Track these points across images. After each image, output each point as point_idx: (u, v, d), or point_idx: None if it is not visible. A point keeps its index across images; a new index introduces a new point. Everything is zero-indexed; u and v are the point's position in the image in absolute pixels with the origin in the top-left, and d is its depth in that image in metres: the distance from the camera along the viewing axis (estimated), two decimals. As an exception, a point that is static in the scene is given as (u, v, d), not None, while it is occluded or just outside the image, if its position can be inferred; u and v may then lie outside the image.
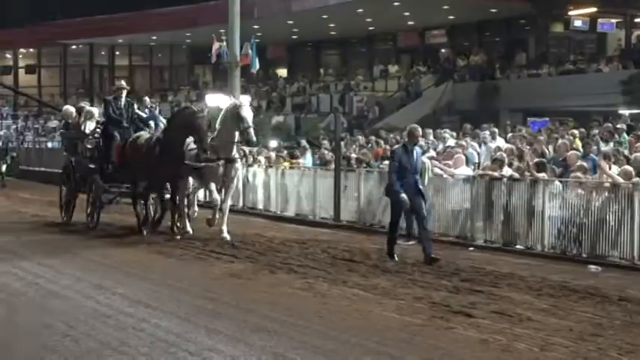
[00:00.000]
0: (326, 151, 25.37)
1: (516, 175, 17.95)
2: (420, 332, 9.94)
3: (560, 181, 17.10)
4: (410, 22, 45.59)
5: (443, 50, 46.72)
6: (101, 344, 9.34)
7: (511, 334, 9.83)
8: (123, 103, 20.35)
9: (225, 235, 18.10)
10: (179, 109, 20.63)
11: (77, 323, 10.33)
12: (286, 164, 25.38)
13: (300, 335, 9.75)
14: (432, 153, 21.13)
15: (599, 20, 40.57)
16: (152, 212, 20.47)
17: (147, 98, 23.54)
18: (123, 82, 21.17)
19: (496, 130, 25.34)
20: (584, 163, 17.40)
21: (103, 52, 60.19)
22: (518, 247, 17.52)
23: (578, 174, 16.91)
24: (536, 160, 18.46)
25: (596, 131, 23.18)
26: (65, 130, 23.23)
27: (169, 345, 9.27)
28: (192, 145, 18.39)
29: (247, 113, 18.18)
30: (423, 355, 9.00)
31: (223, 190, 18.66)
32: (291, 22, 46.95)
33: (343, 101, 42.47)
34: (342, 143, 24.24)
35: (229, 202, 19.14)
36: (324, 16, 44.49)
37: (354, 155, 24.04)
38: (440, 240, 18.71)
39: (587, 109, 35.33)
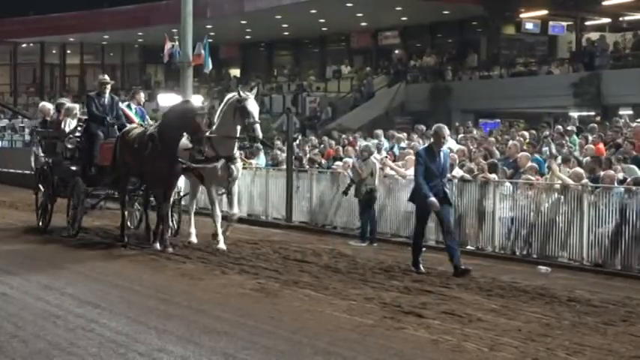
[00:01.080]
0: (278, 152, 25.34)
1: (467, 176, 18.06)
2: (371, 333, 9.96)
3: (511, 183, 17.24)
4: (363, 23, 45.65)
5: (396, 51, 46.84)
6: (50, 345, 9.26)
7: (461, 334, 9.89)
8: (107, 100, 18.76)
9: (222, 246, 16.86)
10: (177, 102, 18.45)
11: (25, 324, 10.25)
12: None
13: (251, 336, 9.73)
14: (383, 154, 21.15)
15: (550, 23, 40.88)
16: (136, 218, 19.59)
17: (142, 94, 21.22)
18: (106, 77, 19.49)
19: (448, 131, 25.44)
20: (535, 164, 17.57)
21: (54, 51, 59.57)
22: (469, 247, 17.62)
23: (529, 175, 17.07)
24: (485, 161, 18.63)
25: (547, 133, 23.40)
26: (42, 129, 21.18)
27: (119, 345, 9.21)
28: (186, 143, 16.86)
29: (253, 107, 16.90)
30: (374, 355, 9.02)
31: (225, 194, 17.81)
32: (244, 22, 46.83)
33: (296, 102, 42.46)
34: (295, 144, 24.23)
35: (237, 209, 18.16)
36: (278, 17, 44.42)
37: (307, 156, 24.07)
38: (391, 240, 18.83)
39: (538, 111, 35.67)
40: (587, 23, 40.79)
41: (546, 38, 42.21)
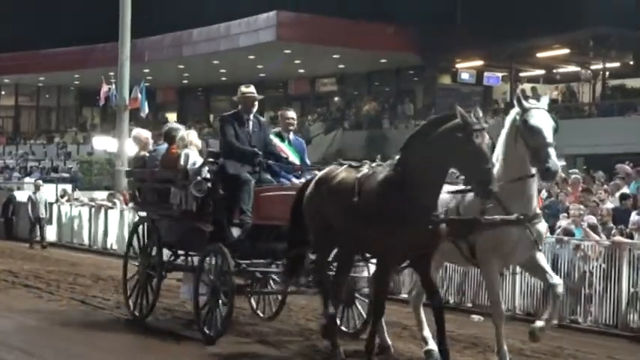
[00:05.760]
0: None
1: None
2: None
3: (445, 231, 17.32)
4: (300, 70, 45.94)
5: (335, 99, 47.13)
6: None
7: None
8: (251, 125, 12.44)
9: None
10: (431, 120, 10.26)
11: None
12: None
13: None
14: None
15: (486, 74, 41.49)
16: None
17: (290, 112, 13.41)
18: (252, 89, 12.71)
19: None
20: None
21: (-12, 92, 59.19)
22: (402, 295, 17.64)
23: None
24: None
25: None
26: (140, 167, 13.96)
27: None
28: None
29: (543, 121, 9.92)
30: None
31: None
32: (181, 66, 46.90)
33: (233, 147, 42.52)
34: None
35: (561, 288, 10.64)
36: (215, 62, 44.55)
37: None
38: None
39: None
40: (522, 74, 41.42)
41: (481, 88, 42.81)
